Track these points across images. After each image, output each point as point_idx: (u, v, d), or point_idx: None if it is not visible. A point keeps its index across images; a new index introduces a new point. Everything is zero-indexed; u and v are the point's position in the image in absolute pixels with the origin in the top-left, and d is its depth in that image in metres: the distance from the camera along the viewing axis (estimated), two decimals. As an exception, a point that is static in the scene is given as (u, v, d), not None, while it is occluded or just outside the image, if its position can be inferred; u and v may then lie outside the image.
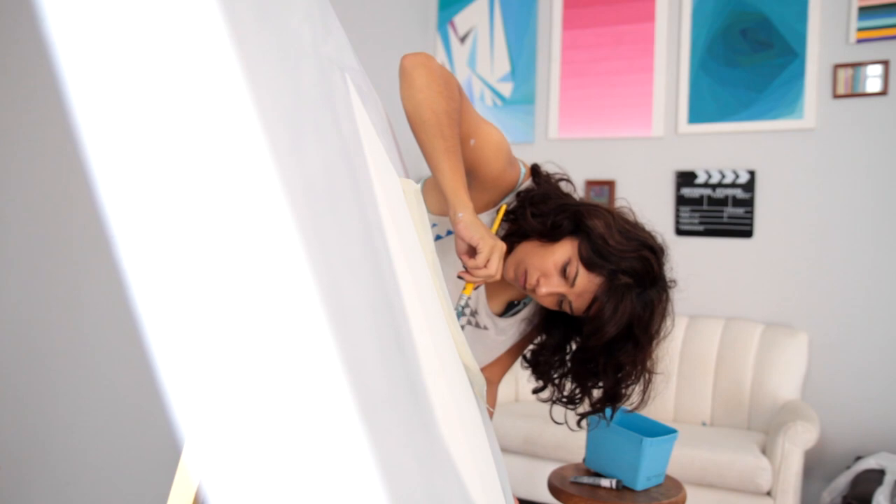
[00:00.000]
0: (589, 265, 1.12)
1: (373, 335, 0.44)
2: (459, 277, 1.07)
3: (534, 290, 1.16)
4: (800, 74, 3.14)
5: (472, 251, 1.04)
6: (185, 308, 0.28)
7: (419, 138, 1.04)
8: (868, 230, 3.02)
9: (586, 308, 1.15)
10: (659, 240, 1.20)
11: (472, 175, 1.17)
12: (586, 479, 1.83)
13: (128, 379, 2.28)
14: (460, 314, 1.11)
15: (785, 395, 2.91)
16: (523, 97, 3.73)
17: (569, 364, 1.30)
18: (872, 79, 3.01)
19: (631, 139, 3.46)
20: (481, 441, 0.88)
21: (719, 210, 3.26)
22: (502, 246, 1.05)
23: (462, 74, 3.86)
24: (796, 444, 2.53)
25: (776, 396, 2.91)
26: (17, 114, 2.18)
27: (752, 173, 3.18)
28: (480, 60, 3.83)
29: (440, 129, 1.01)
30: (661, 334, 1.20)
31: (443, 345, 0.80)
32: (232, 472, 0.28)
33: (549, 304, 1.17)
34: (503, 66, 3.78)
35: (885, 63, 2.99)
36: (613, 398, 1.25)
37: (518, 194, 1.23)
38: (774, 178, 3.17)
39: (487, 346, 1.35)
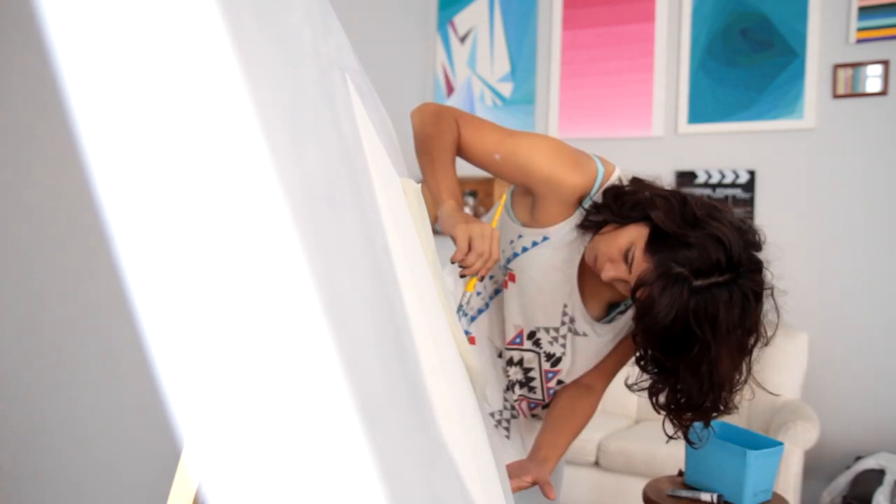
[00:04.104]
0: (647, 251, 1.07)
1: (372, 335, 0.44)
2: (462, 276, 1.07)
3: (602, 277, 1.13)
4: (800, 74, 3.14)
5: (462, 252, 1.05)
6: (184, 308, 0.28)
7: (419, 164, 1.21)
8: (868, 230, 3.02)
9: (640, 297, 1.07)
10: (757, 237, 1.11)
11: (527, 186, 1.21)
12: (685, 493, 1.76)
13: (128, 379, 2.28)
14: (463, 314, 1.10)
15: (785, 395, 2.91)
16: (523, 97, 3.73)
17: (658, 370, 1.18)
18: (872, 79, 3.01)
19: (631, 139, 3.46)
20: (482, 441, 0.88)
21: (719, 210, 3.26)
22: (482, 227, 1.05)
23: (462, 74, 3.86)
24: (796, 444, 2.53)
25: (776, 396, 2.91)
26: (17, 112, 2.18)
27: (752, 173, 3.18)
28: (480, 60, 3.83)
29: (427, 150, 1.19)
30: (744, 337, 1.08)
31: (444, 344, 0.80)
32: (232, 472, 0.28)
33: (623, 290, 1.14)
34: (503, 66, 3.78)
35: (885, 63, 2.99)
36: (691, 406, 1.14)
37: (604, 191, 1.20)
38: (774, 178, 3.17)
39: (588, 352, 1.29)
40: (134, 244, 0.27)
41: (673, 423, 1.21)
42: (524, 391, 1.34)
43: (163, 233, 0.27)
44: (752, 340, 1.10)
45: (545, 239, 1.23)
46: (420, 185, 1.01)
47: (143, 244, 0.27)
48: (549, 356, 1.30)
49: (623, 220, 1.13)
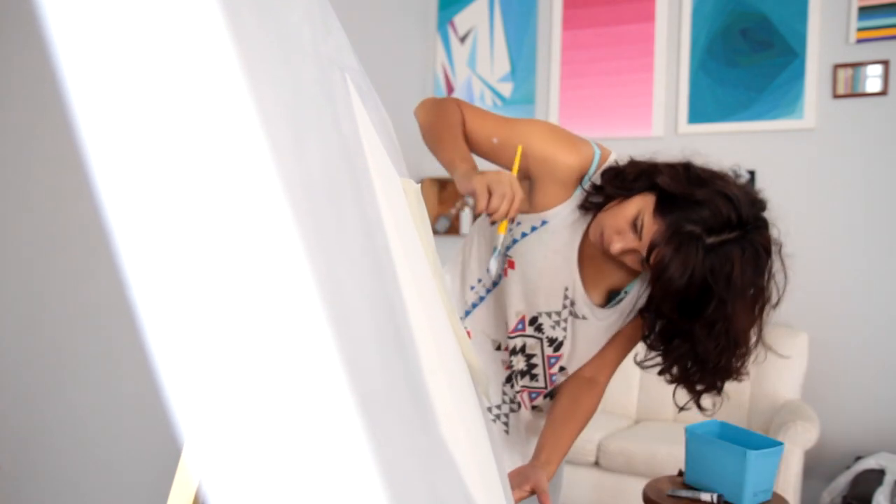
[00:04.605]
0: (656, 215, 1.09)
1: (373, 333, 0.44)
2: (493, 223, 1.08)
3: (610, 252, 1.14)
4: (800, 74, 3.14)
5: (484, 199, 1.06)
6: (184, 307, 0.28)
7: (431, 150, 1.23)
8: (868, 230, 3.02)
9: (653, 260, 1.08)
10: (761, 196, 1.13)
11: (525, 169, 1.22)
12: (685, 493, 1.76)
13: (128, 378, 2.28)
14: (495, 256, 1.11)
15: (785, 395, 2.91)
16: (523, 97, 3.73)
17: (668, 340, 1.20)
18: (872, 79, 3.01)
19: (631, 139, 3.46)
20: (483, 441, 0.88)
21: (719, 210, 3.26)
22: (497, 174, 1.07)
23: (462, 74, 3.86)
24: (796, 444, 2.53)
25: (776, 396, 2.91)
26: (17, 112, 2.18)
27: (752, 173, 3.18)
28: (480, 60, 3.83)
29: (436, 132, 1.23)
30: (756, 293, 1.10)
31: (445, 344, 0.80)
32: (232, 472, 0.28)
33: (632, 264, 1.15)
34: (503, 66, 3.78)
35: (885, 63, 2.99)
36: (706, 369, 1.15)
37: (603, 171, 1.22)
38: (774, 178, 3.17)
39: (589, 336, 1.30)
40: (134, 243, 0.27)
41: (689, 392, 1.23)
42: (526, 380, 1.34)
43: (163, 231, 0.27)
44: (764, 297, 1.12)
45: (544, 223, 1.24)
46: (420, 184, 1.01)
47: (144, 243, 0.27)
48: (551, 341, 1.30)
49: (627, 193, 1.15)
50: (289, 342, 0.29)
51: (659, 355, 1.24)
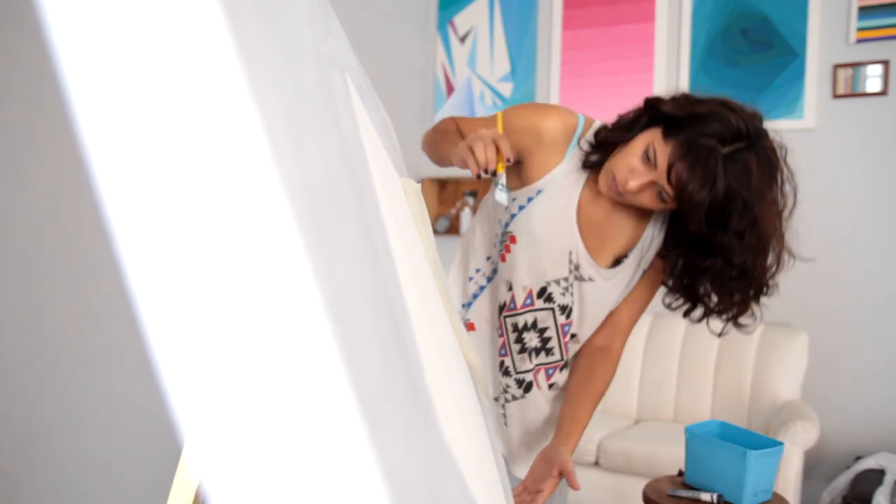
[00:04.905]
0: (667, 139, 1.12)
1: (373, 334, 0.44)
2: (493, 174, 1.12)
3: (627, 192, 1.16)
4: (800, 74, 3.14)
5: (471, 159, 1.10)
6: (184, 307, 0.28)
7: (437, 161, 1.33)
8: (868, 230, 3.02)
9: (674, 178, 1.11)
10: (755, 108, 1.16)
11: (515, 145, 1.25)
12: (684, 493, 1.77)
13: (128, 378, 2.28)
14: (500, 188, 1.14)
15: (785, 395, 2.90)
16: (523, 97, 3.73)
17: (702, 269, 1.22)
18: (872, 79, 3.01)
19: (631, 139, 3.46)
20: (483, 441, 0.88)
21: (719, 210, 3.26)
22: (472, 133, 1.12)
23: (462, 74, 3.86)
24: (796, 444, 2.53)
25: (776, 396, 2.91)
26: (17, 112, 2.18)
27: (752, 173, 3.18)
28: (480, 60, 3.83)
29: (436, 144, 1.31)
30: (775, 196, 1.14)
31: (445, 344, 0.80)
32: (232, 471, 0.28)
33: (650, 201, 1.17)
34: (503, 66, 3.78)
35: (885, 63, 2.99)
36: (747, 278, 1.18)
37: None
38: (774, 178, 3.17)
39: (596, 298, 1.31)
40: (135, 243, 0.27)
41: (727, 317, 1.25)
42: (541, 357, 1.34)
43: (164, 231, 0.27)
44: (782, 199, 1.16)
45: (539, 192, 1.27)
46: (420, 184, 1.01)
47: (144, 243, 0.27)
48: (562, 308, 1.31)
49: (630, 134, 1.18)
50: (289, 342, 0.29)
51: (684, 295, 1.27)
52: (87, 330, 2.29)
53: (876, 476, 2.52)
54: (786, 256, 1.21)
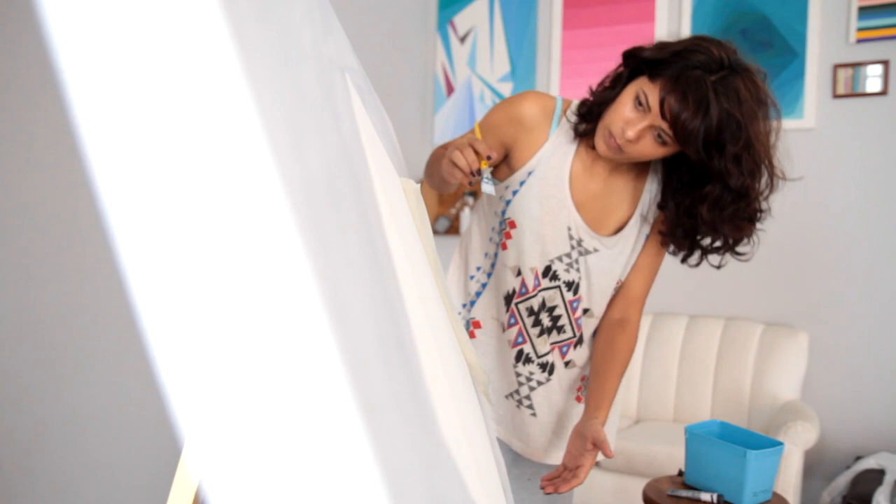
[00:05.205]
0: (655, 80, 1.15)
1: (374, 335, 0.44)
2: (478, 173, 1.17)
3: (627, 143, 1.19)
4: (800, 74, 3.14)
5: (455, 170, 1.16)
6: (185, 307, 0.28)
7: (440, 184, 1.34)
8: (868, 230, 3.02)
9: (668, 109, 1.14)
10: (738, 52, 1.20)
11: (501, 141, 1.32)
12: (684, 493, 1.77)
13: (128, 379, 2.28)
14: (486, 180, 1.20)
15: (785, 395, 2.90)
16: (523, 97, 3.73)
17: (700, 198, 1.24)
18: (872, 79, 3.01)
19: (631, 139, 3.46)
20: (483, 441, 0.88)
21: (719, 210, 3.26)
22: (458, 140, 1.18)
23: (462, 74, 3.86)
24: (796, 444, 2.53)
25: (776, 396, 2.91)
26: (18, 112, 2.18)
27: (752, 173, 3.18)
28: (480, 60, 3.83)
29: (431, 173, 1.36)
30: (764, 118, 1.18)
31: (445, 344, 0.80)
32: (232, 472, 0.28)
33: (650, 148, 1.19)
34: (503, 66, 3.78)
35: (885, 63, 2.98)
36: (744, 201, 1.21)
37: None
38: (774, 178, 3.16)
39: (603, 268, 1.34)
40: (134, 243, 0.27)
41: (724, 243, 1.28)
42: (554, 336, 1.36)
43: (164, 232, 0.27)
44: (770, 121, 1.20)
45: (530, 174, 1.30)
46: (420, 185, 1.01)
47: (144, 243, 0.27)
48: (568, 285, 1.33)
49: (615, 93, 1.22)
50: (289, 342, 0.29)
51: (683, 238, 1.29)
52: (87, 330, 2.29)
53: (876, 476, 2.52)
54: (777, 180, 1.27)
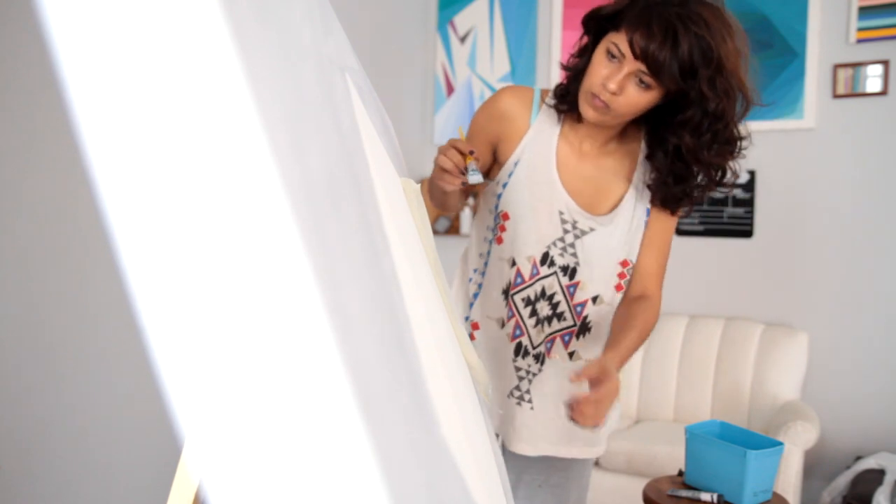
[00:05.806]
0: (622, 31, 1.17)
1: (374, 335, 0.44)
2: (468, 172, 1.18)
3: (612, 97, 1.20)
4: (800, 74, 3.14)
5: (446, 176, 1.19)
6: (185, 307, 0.28)
7: (441, 202, 1.35)
8: (868, 230, 3.02)
9: (637, 43, 1.15)
10: None
11: (488, 140, 1.35)
12: (685, 493, 1.77)
13: (128, 379, 2.28)
14: (472, 172, 1.20)
15: (785, 395, 2.90)
16: (523, 97, 3.73)
17: (681, 123, 1.25)
18: (872, 79, 3.01)
19: (631, 139, 3.46)
20: (483, 441, 0.88)
21: (719, 210, 3.26)
22: (439, 147, 1.21)
23: (462, 74, 3.86)
24: (796, 444, 2.53)
25: (776, 396, 2.91)
26: (18, 111, 2.18)
27: (752, 173, 3.18)
28: (480, 60, 3.83)
29: (430, 190, 1.35)
30: (730, 39, 1.19)
31: (445, 344, 0.80)
32: (232, 471, 0.28)
33: (635, 97, 1.20)
34: (503, 66, 3.78)
35: (885, 63, 2.98)
36: (722, 124, 1.22)
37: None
38: (774, 178, 3.16)
39: (600, 245, 1.33)
40: (135, 243, 0.27)
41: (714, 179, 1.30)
42: (553, 325, 1.35)
43: (164, 231, 0.27)
44: (736, 41, 1.23)
45: (517, 164, 1.32)
46: (420, 185, 1.01)
47: (145, 243, 0.27)
48: (564, 269, 1.33)
49: (586, 60, 1.25)
50: (290, 342, 0.29)
51: (673, 183, 1.30)
52: (87, 330, 2.29)
53: (876, 476, 2.52)
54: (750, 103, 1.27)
